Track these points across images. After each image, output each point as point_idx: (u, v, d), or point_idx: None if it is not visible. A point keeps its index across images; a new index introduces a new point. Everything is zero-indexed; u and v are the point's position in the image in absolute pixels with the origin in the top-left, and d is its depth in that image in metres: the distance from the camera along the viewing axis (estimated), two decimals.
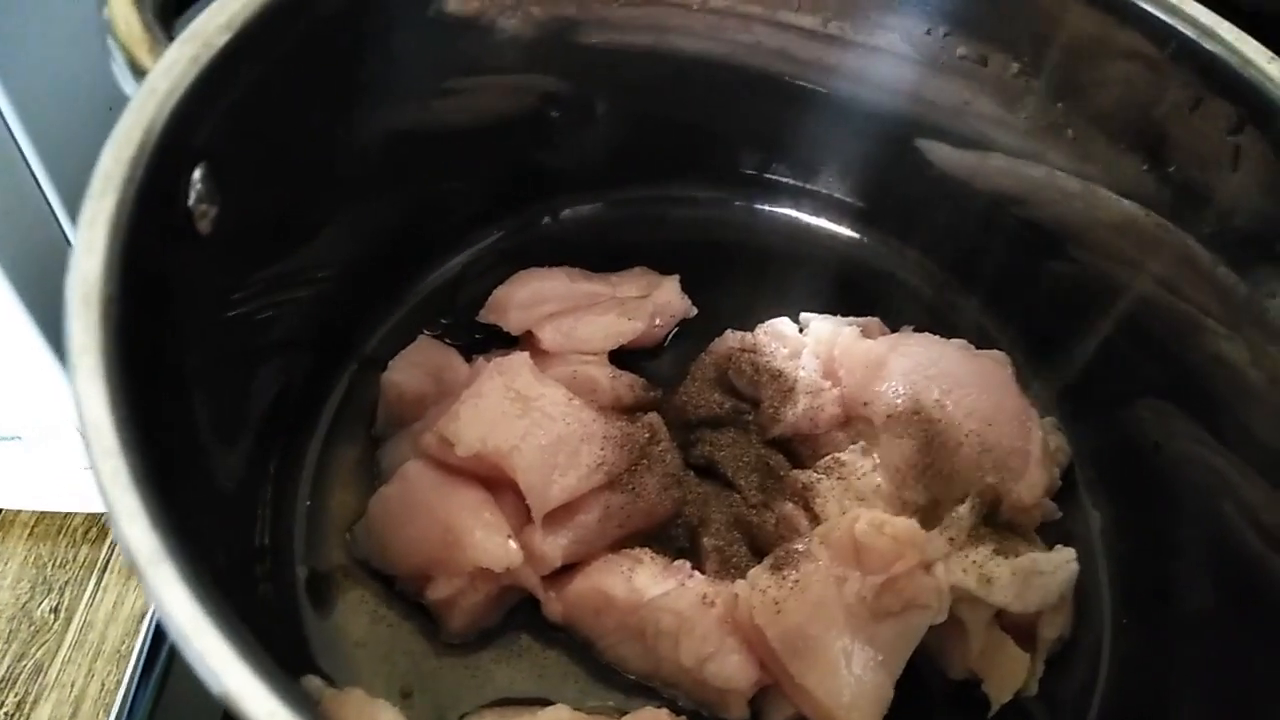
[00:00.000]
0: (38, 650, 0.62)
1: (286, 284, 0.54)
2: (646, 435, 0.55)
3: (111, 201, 0.35)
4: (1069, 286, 0.63)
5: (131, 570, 0.27)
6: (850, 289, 0.68)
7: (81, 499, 0.65)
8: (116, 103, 0.52)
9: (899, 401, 0.55)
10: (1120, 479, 0.60)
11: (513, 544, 0.50)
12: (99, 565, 0.67)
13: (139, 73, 0.43)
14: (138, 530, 0.27)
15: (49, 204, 0.50)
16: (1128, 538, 0.59)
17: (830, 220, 0.72)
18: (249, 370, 0.52)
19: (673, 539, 0.55)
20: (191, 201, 0.41)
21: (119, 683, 0.57)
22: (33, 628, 0.63)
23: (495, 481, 0.52)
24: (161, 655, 0.58)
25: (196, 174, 0.41)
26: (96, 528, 0.67)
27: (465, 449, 0.51)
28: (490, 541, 0.50)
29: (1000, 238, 0.66)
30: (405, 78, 0.56)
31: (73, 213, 0.50)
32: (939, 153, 0.65)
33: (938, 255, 0.70)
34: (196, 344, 0.42)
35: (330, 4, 0.48)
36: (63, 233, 0.51)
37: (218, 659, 0.25)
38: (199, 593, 0.27)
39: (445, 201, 0.66)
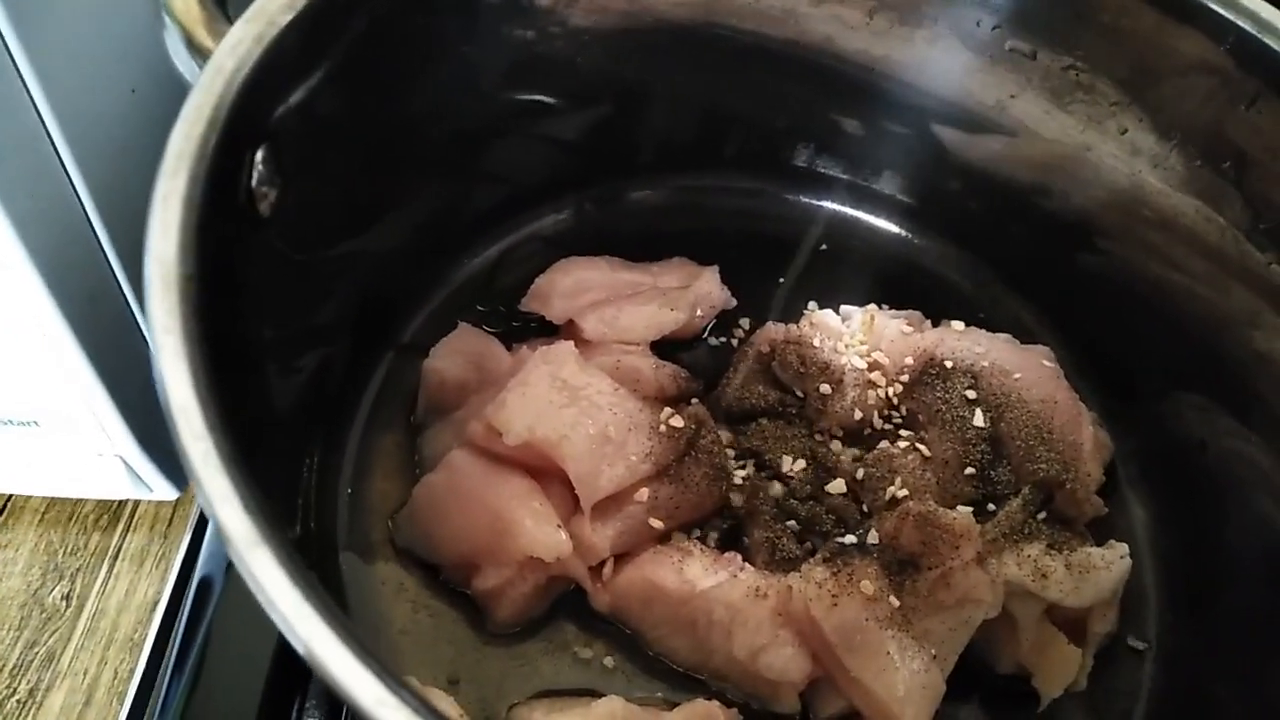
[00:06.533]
0: (49, 638, 0.60)
1: (334, 269, 0.53)
2: (693, 426, 0.54)
3: (184, 179, 0.35)
4: (1101, 279, 0.63)
5: (230, 552, 0.26)
6: (887, 283, 0.67)
7: (93, 486, 0.63)
8: (140, 86, 0.51)
9: (948, 394, 0.54)
10: (1164, 476, 0.60)
11: (563, 533, 0.49)
12: (110, 553, 0.65)
13: (196, 51, 0.42)
14: (232, 512, 0.27)
15: (75, 189, 0.49)
16: (1172, 535, 0.59)
17: (865, 212, 0.72)
18: (295, 359, 0.51)
19: (715, 528, 0.54)
20: (254, 183, 0.41)
21: (132, 671, 0.56)
22: (44, 615, 0.61)
23: (541, 471, 0.51)
24: (172, 643, 0.58)
25: (259, 155, 0.41)
26: (108, 515, 0.66)
27: (514, 438, 0.50)
28: (541, 530, 0.49)
29: (1032, 230, 0.66)
30: (469, 65, 0.55)
31: (96, 197, 0.49)
32: (977, 146, 0.65)
33: (974, 250, 0.70)
34: (255, 328, 0.41)
35: None
36: (87, 218, 0.50)
37: (322, 642, 0.25)
38: (294, 574, 0.26)
39: (487, 188, 0.65)
